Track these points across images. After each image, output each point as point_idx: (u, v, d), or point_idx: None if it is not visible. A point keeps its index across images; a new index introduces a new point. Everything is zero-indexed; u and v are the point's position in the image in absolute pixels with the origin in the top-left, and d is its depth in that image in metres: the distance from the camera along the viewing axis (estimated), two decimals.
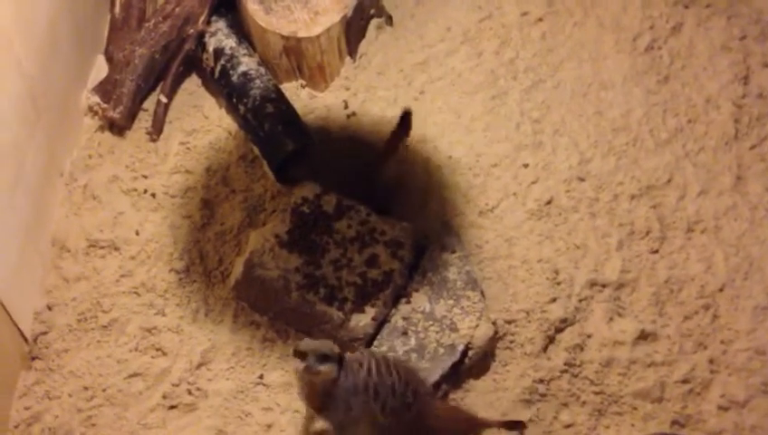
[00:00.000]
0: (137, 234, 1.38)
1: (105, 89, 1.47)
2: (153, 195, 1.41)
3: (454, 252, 1.31)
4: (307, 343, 1.11)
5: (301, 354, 1.09)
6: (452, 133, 1.46)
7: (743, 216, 1.39)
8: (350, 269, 1.28)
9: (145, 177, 1.43)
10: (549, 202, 1.39)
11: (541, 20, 1.57)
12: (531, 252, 1.34)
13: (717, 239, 1.37)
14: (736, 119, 1.47)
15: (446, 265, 1.30)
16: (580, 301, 1.30)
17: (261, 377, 1.26)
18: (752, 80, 1.51)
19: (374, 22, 1.56)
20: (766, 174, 1.43)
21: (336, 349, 1.11)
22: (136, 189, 1.42)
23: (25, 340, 1.30)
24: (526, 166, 1.42)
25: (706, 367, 1.27)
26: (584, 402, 1.24)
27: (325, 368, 1.09)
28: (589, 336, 1.28)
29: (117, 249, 1.36)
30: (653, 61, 1.53)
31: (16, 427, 1.23)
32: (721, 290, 1.33)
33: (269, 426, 1.22)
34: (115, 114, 1.45)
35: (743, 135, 1.46)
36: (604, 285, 1.32)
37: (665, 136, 1.46)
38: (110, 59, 1.52)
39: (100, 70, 1.52)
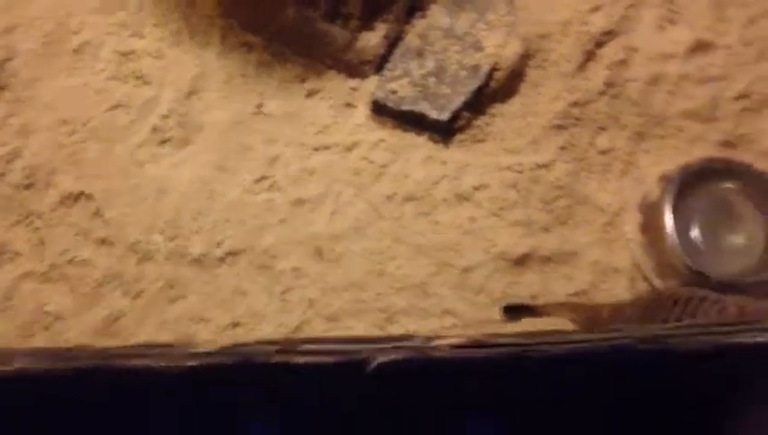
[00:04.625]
0: None
1: None
2: None
3: None
4: None
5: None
6: None
7: None
8: None
9: None
10: None
11: None
12: None
13: None
14: None
15: None
16: (628, 7, 1.20)
17: (260, 106, 1.21)
18: None
19: None
20: None
21: None
22: None
23: None
24: None
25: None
26: (624, 125, 1.19)
27: None
28: (635, 50, 1.20)
29: None
30: None
31: None
32: None
33: (273, 159, 1.19)
34: None
35: None
36: None
37: None
38: None
39: None
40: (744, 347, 0.80)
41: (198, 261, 1.15)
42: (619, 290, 1.12)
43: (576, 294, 1.12)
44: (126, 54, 1.23)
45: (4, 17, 1.24)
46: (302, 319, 1.11)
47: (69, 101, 1.22)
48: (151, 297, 1.14)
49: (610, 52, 1.20)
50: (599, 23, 1.20)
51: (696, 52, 1.21)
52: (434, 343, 0.79)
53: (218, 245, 1.15)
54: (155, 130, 1.21)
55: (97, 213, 1.17)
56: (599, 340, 0.82)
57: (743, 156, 1.17)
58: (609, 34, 1.20)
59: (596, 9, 1.20)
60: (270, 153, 1.20)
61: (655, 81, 1.20)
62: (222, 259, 1.15)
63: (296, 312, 1.11)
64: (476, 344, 0.78)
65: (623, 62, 1.20)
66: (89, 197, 1.18)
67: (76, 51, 1.24)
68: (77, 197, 1.18)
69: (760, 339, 0.81)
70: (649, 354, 0.78)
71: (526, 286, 1.12)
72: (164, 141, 1.21)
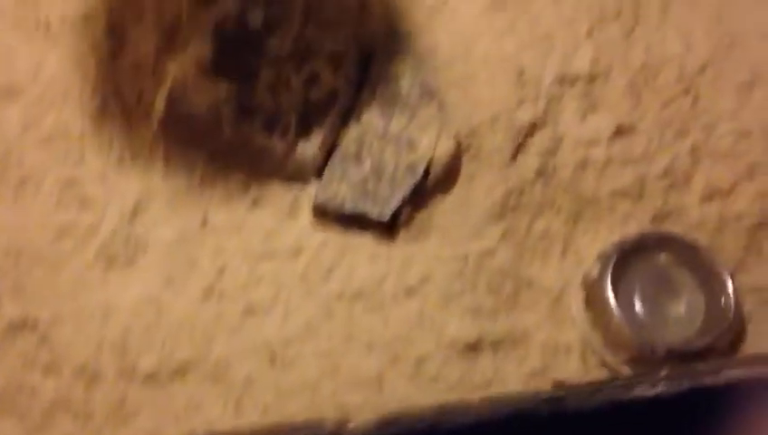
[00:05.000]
0: (36, 74, 1.29)
1: None
2: (48, 25, 1.32)
3: (404, 60, 1.26)
4: None
5: None
6: None
7: None
8: (288, 93, 1.23)
9: (35, 3, 1.33)
10: None
11: None
12: (491, 50, 1.30)
13: (695, 14, 1.34)
14: None
15: (397, 76, 1.26)
16: (550, 100, 1.28)
17: (205, 220, 1.24)
18: None
19: None
20: None
21: None
22: (27, 20, 1.32)
23: None
24: None
25: (688, 156, 1.28)
26: (559, 209, 1.25)
27: None
28: (561, 138, 1.27)
29: (16, 94, 1.29)
30: None
31: None
32: (702, 70, 1.32)
33: (221, 271, 1.21)
34: None
35: None
36: (575, 79, 1.30)
37: None
38: None
39: None
40: (640, 400, 0.84)
41: (149, 378, 1.14)
42: (571, 368, 1.14)
43: (530, 375, 1.13)
44: (69, 182, 1.26)
45: None
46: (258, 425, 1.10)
47: (12, 232, 1.23)
48: (102, 419, 1.12)
49: (538, 142, 1.27)
50: (524, 116, 1.28)
51: (619, 136, 1.28)
52: (348, 425, 0.80)
53: (169, 360, 1.15)
54: (100, 252, 1.22)
55: (43, 339, 1.17)
56: (504, 405, 0.85)
57: (673, 228, 1.23)
58: (535, 126, 1.27)
59: (520, 104, 1.28)
60: (217, 265, 1.21)
61: (583, 165, 1.26)
62: (173, 374, 1.14)
63: (251, 419, 1.11)
64: (387, 423, 0.80)
65: (552, 151, 1.27)
66: (35, 324, 1.18)
67: (18, 184, 1.26)
68: (23, 324, 1.18)
69: (652, 392, 0.85)
70: (551, 414, 0.81)
71: (480, 372, 1.14)
72: (109, 263, 1.22)
